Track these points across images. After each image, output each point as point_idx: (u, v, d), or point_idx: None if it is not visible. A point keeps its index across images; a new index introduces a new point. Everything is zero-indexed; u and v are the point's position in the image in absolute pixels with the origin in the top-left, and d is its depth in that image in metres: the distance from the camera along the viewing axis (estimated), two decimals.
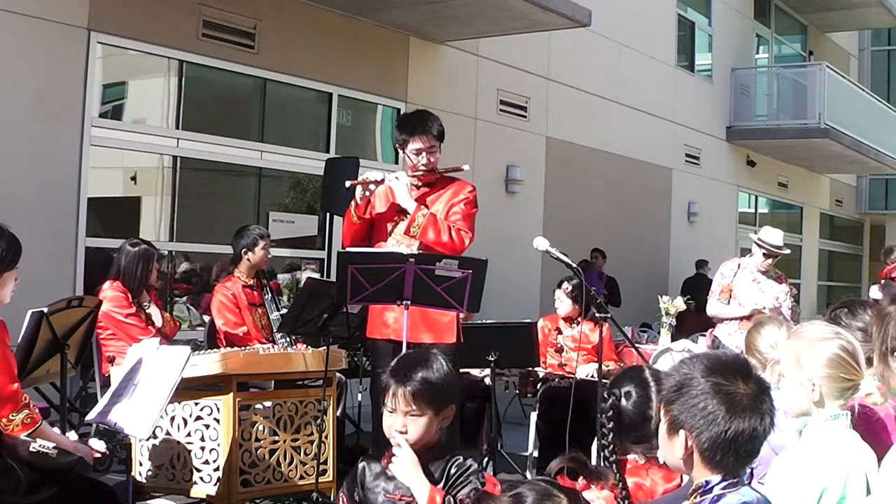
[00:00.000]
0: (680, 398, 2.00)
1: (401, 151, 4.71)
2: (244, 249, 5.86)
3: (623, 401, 2.45)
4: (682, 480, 2.31)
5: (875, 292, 13.90)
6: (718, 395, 1.96)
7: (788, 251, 6.71)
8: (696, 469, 2.01)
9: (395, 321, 4.50)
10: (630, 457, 2.39)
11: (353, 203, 4.61)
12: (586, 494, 2.18)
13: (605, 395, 2.46)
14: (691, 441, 1.98)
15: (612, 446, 2.38)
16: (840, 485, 2.35)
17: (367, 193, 4.57)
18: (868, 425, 2.67)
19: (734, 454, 1.96)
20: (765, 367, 3.28)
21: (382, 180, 4.57)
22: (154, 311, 5.52)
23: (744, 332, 5.03)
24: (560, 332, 6.51)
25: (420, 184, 4.64)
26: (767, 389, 2.01)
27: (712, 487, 1.97)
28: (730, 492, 1.96)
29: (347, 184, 4.64)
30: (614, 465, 2.28)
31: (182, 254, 8.22)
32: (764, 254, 6.53)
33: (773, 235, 6.59)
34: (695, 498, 1.99)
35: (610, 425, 2.40)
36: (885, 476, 2.37)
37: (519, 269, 10.34)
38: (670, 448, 2.03)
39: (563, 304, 6.48)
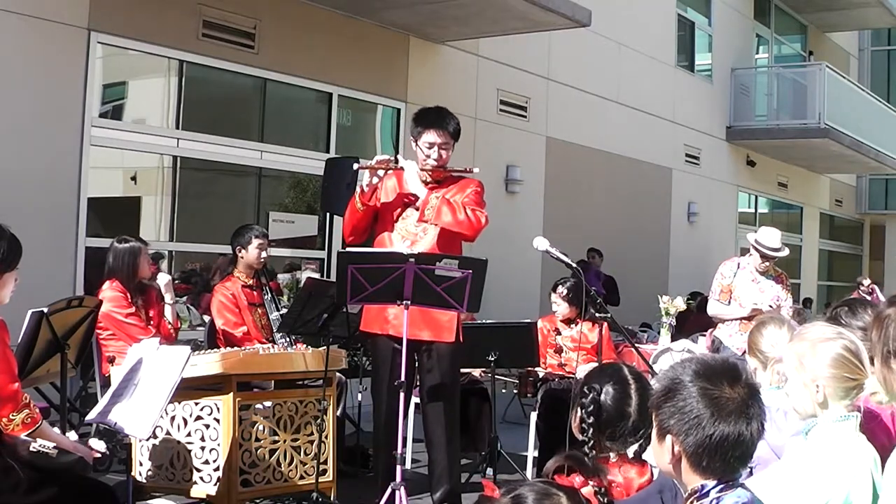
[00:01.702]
0: (667, 402, 2.00)
1: (413, 144, 4.70)
2: (238, 247, 5.85)
3: (602, 397, 2.44)
4: (652, 476, 2.32)
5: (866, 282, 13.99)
6: (704, 400, 1.95)
7: (786, 252, 6.65)
8: (685, 475, 2.00)
9: (394, 317, 4.49)
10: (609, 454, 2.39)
11: (358, 190, 4.59)
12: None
13: (585, 391, 2.45)
14: (678, 446, 1.97)
15: (591, 442, 2.38)
16: (845, 487, 2.35)
17: (375, 180, 4.55)
18: (872, 425, 2.67)
19: (721, 459, 1.95)
20: (765, 366, 3.28)
21: (395, 161, 4.56)
22: (167, 309, 5.54)
23: (744, 334, 5.03)
24: (559, 333, 6.51)
25: (429, 180, 4.63)
26: (757, 394, 1.99)
27: (709, 491, 1.96)
28: (726, 494, 1.95)
29: (355, 166, 4.63)
30: (595, 462, 2.29)
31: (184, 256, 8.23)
32: (762, 255, 6.52)
33: (770, 238, 6.53)
34: (691, 502, 1.99)
35: (590, 420, 2.40)
36: (889, 481, 2.37)
37: (519, 269, 10.35)
38: (660, 453, 2.03)
39: (561, 307, 6.48)
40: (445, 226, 4.46)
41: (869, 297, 11.64)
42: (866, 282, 14.55)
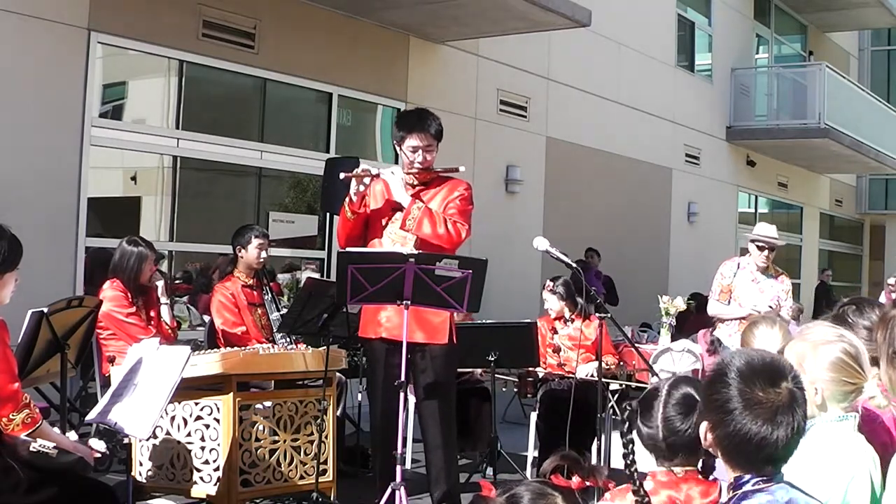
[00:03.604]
0: (707, 390, 2.06)
1: (397, 148, 4.69)
2: (238, 247, 5.85)
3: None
4: (719, 496, 2.28)
5: (883, 298, 13.95)
6: (737, 396, 1.98)
7: (784, 242, 6.72)
8: (722, 461, 2.06)
9: (387, 320, 4.49)
10: (660, 469, 2.34)
11: (346, 199, 4.59)
12: (615, 502, 2.18)
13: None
14: (710, 434, 2.04)
15: (633, 455, 2.31)
16: (843, 486, 2.35)
17: (362, 188, 4.55)
18: (871, 427, 2.67)
19: (745, 457, 1.98)
20: None
21: (378, 175, 4.55)
22: (164, 310, 5.55)
23: None
24: (556, 332, 6.50)
25: (416, 182, 4.63)
26: (794, 402, 1.99)
27: (742, 484, 2.00)
28: (760, 489, 1.98)
29: (341, 175, 4.61)
30: (635, 473, 2.24)
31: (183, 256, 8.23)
32: (759, 247, 6.52)
33: (767, 229, 6.61)
34: (728, 490, 2.04)
35: (630, 436, 2.34)
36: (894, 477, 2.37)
37: (519, 269, 10.35)
38: (702, 433, 2.09)
39: (551, 301, 6.48)
40: (424, 237, 4.46)
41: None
42: (893, 280, 14.52)
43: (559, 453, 1.99)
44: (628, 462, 2.24)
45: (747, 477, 2.00)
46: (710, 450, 2.07)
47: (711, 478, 2.33)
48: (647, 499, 2.18)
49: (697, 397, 2.29)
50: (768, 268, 6.59)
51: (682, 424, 2.32)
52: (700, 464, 2.33)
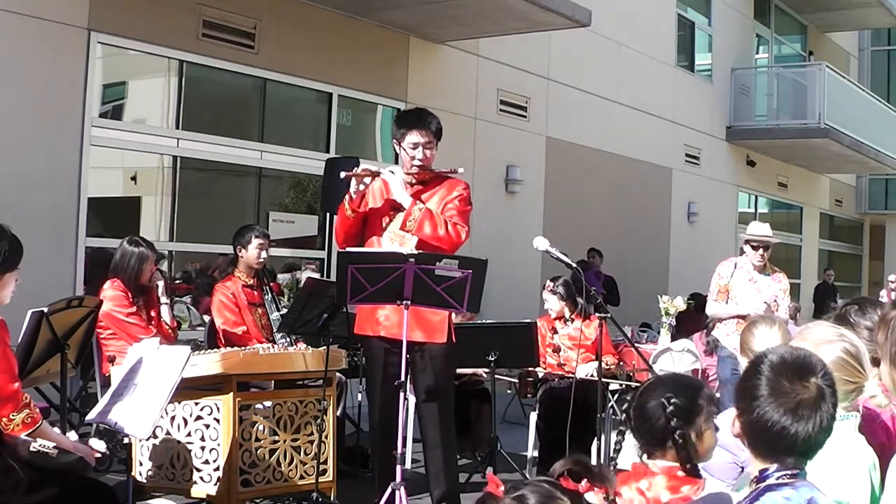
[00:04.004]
0: (742, 380, 2.11)
1: (397, 147, 4.70)
2: (238, 247, 5.86)
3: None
4: (697, 493, 2.29)
5: (883, 297, 13.94)
6: (765, 385, 2.03)
7: (778, 240, 6.74)
8: (748, 453, 2.09)
9: (385, 318, 4.49)
10: (639, 461, 2.36)
11: (346, 197, 4.60)
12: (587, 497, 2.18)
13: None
14: (738, 421, 2.08)
15: (619, 445, 2.36)
16: (843, 486, 2.35)
17: (362, 187, 4.56)
18: (873, 425, 2.67)
19: (765, 445, 2.02)
20: None
21: (378, 173, 4.56)
22: (164, 310, 5.55)
23: None
24: (556, 332, 6.50)
25: (415, 182, 4.63)
26: (822, 399, 2.02)
27: (767, 477, 2.03)
28: (785, 484, 2.00)
29: (342, 174, 4.61)
30: (613, 467, 2.27)
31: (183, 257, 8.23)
32: (753, 246, 6.53)
33: (759, 227, 6.64)
34: (752, 483, 2.07)
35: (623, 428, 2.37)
36: (892, 478, 2.37)
37: (519, 269, 10.34)
38: (731, 421, 2.13)
39: (552, 302, 6.48)
40: (425, 238, 4.47)
41: None
42: (894, 277, 14.53)
43: (573, 457, 1.99)
44: (615, 448, 2.26)
45: (772, 469, 2.02)
46: (739, 438, 2.10)
47: (706, 477, 2.34)
48: (612, 493, 2.19)
49: (672, 392, 2.34)
50: (765, 267, 6.61)
51: (650, 412, 2.35)
52: (682, 463, 2.34)
